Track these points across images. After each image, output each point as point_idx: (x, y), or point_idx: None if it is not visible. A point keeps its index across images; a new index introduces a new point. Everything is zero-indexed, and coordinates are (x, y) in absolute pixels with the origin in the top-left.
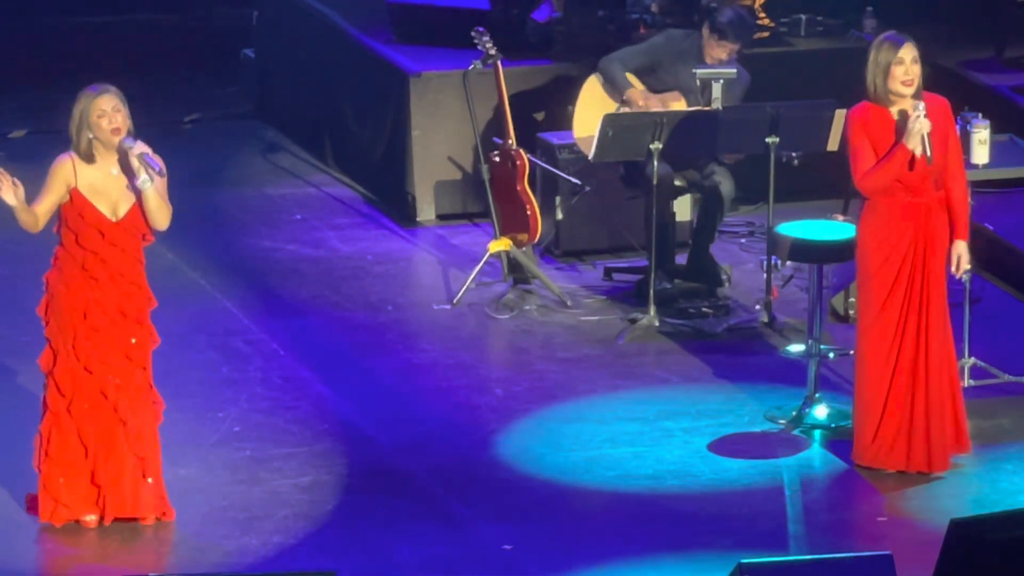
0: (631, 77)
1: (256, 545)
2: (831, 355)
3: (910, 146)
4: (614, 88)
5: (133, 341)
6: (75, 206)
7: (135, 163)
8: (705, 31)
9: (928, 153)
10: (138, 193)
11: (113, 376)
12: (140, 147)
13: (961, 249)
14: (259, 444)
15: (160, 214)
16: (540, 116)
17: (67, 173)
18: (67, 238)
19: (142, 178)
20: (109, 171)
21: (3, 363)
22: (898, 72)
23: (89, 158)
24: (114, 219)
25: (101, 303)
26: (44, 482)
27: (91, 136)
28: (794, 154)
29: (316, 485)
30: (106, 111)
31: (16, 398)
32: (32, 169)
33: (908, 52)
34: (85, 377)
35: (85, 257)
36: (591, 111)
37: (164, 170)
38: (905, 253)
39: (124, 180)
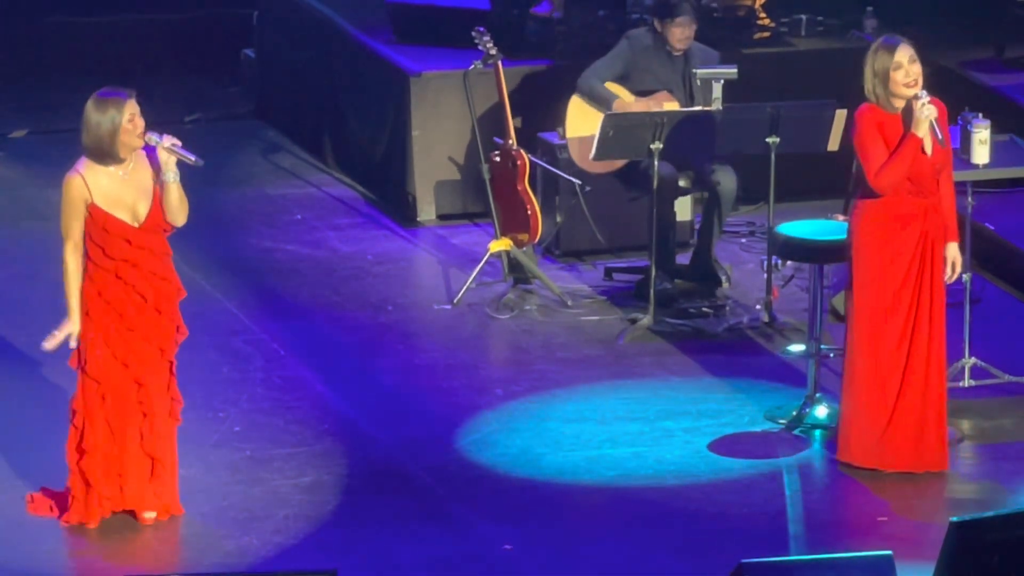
0: (614, 86)
1: (256, 545)
2: (831, 355)
3: (920, 134)
4: (601, 105)
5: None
6: (97, 221)
7: (164, 156)
8: (657, 24)
9: (940, 136)
10: (161, 189)
11: (146, 369)
12: (169, 139)
13: (954, 253)
14: (259, 444)
15: (181, 210)
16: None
17: (81, 190)
18: (94, 252)
19: (171, 172)
20: (119, 176)
21: (4, 363)
22: (898, 76)
23: (113, 160)
24: (136, 224)
25: (138, 305)
26: (83, 480)
27: (121, 141)
28: None
29: (316, 485)
30: (135, 115)
31: (18, 398)
32: (32, 169)
33: (904, 54)
34: (121, 370)
35: (117, 267)
36: (583, 120)
37: (200, 158)
38: (912, 252)
39: (137, 181)
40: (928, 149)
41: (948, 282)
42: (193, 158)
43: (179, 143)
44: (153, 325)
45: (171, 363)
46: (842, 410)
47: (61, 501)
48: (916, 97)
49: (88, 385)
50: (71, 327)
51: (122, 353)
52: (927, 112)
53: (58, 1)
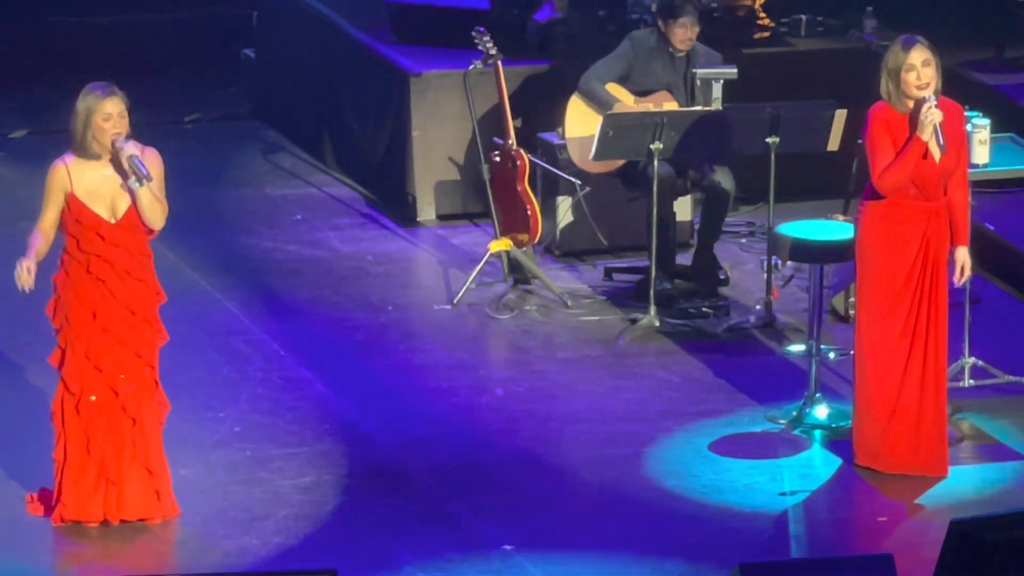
0: (615, 87)
1: (256, 545)
2: (831, 355)
3: (924, 137)
4: (601, 106)
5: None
6: (72, 212)
7: (124, 164)
8: (660, 24)
9: (940, 142)
10: (131, 192)
11: (123, 373)
12: (130, 148)
13: (964, 256)
14: (259, 444)
15: (153, 213)
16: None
17: (63, 179)
18: (69, 243)
19: (132, 179)
20: (104, 172)
21: (4, 363)
22: (910, 78)
23: (90, 155)
24: (112, 220)
25: (110, 304)
26: (56, 483)
27: (93, 136)
28: None
29: (316, 485)
30: (111, 115)
31: (18, 398)
32: (32, 169)
33: (918, 56)
34: (95, 375)
35: (88, 260)
36: (582, 120)
37: (151, 175)
38: (914, 255)
39: (119, 177)
40: (936, 154)
41: (957, 285)
42: (144, 172)
43: (137, 155)
44: (127, 326)
45: (152, 368)
46: (853, 412)
47: (50, 501)
48: (923, 100)
49: (64, 395)
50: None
51: (95, 356)
52: (931, 116)
53: (58, 1)
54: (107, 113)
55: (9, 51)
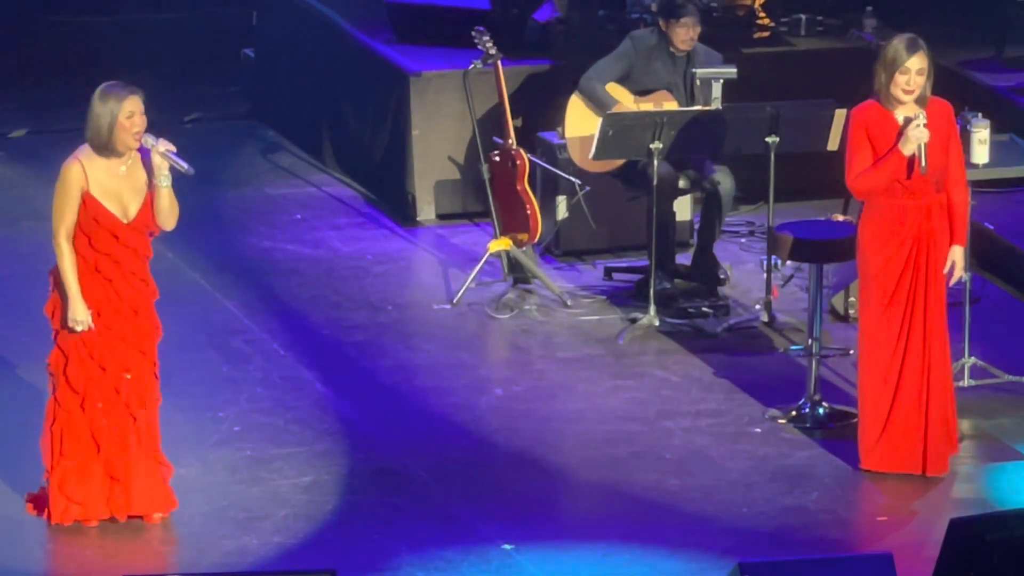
0: (615, 87)
1: (256, 545)
2: (831, 355)
3: (906, 153)
4: (600, 107)
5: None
6: (89, 210)
7: (157, 160)
8: (662, 23)
9: (923, 163)
10: (152, 191)
11: (126, 371)
12: (165, 144)
13: (956, 255)
14: (259, 444)
15: (171, 214)
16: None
17: (79, 177)
18: (79, 240)
19: (163, 175)
20: (118, 170)
21: (4, 363)
22: (900, 80)
23: (111, 153)
24: (126, 220)
25: (114, 303)
26: (56, 483)
27: (118, 136)
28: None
29: (316, 485)
30: (134, 113)
31: (18, 398)
32: (32, 169)
33: (916, 63)
34: (99, 374)
35: (98, 259)
36: (582, 120)
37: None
38: (907, 254)
39: (132, 179)
40: (923, 163)
41: (949, 285)
42: (186, 166)
43: (174, 149)
44: (131, 325)
45: (154, 364)
46: (859, 415)
47: (38, 501)
48: (916, 116)
49: (67, 394)
50: (76, 312)
51: (99, 354)
52: (916, 135)
53: (58, 1)
54: (130, 111)
55: (9, 51)
